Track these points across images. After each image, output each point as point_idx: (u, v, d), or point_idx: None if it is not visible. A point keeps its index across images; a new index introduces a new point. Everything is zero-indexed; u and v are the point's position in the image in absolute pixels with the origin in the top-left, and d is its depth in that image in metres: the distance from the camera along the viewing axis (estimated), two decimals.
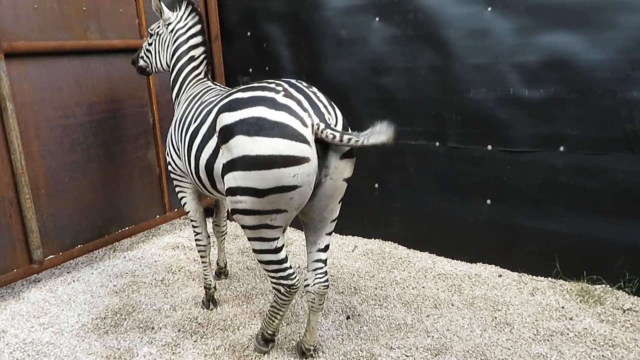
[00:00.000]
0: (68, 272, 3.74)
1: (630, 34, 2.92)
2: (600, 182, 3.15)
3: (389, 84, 3.75)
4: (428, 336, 2.76)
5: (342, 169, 2.27)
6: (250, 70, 4.48)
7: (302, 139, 2.08)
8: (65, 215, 3.57)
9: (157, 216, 4.23)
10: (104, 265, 3.83)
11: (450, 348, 2.63)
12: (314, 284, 2.47)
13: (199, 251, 3.13)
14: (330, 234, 2.51)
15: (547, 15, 3.10)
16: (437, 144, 3.66)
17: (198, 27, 3.09)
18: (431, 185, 3.76)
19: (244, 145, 2.10)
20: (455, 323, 2.89)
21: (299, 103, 2.16)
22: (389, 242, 4.05)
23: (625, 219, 3.11)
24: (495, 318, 2.93)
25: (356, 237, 4.21)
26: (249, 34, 4.42)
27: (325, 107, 2.24)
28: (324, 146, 2.17)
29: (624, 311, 2.97)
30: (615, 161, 3.08)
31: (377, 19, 3.73)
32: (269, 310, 2.57)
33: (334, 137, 2.10)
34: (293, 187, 2.11)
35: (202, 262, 3.12)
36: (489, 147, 3.47)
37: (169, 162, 2.98)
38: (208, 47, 3.13)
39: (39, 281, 3.61)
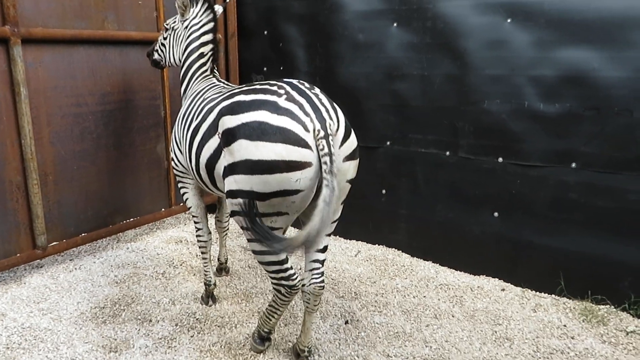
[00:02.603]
0: (70, 260, 3.75)
1: None
2: (611, 202, 3.10)
3: (403, 91, 3.73)
4: (426, 346, 2.73)
5: (344, 171, 2.26)
6: (265, 69, 4.48)
7: (304, 144, 2.08)
8: (71, 203, 3.58)
9: (163, 209, 4.24)
10: (106, 255, 3.83)
11: (448, 359, 2.61)
12: (310, 284, 2.45)
13: (199, 247, 3.13)
14: (329, 235, 2.50)
15: (567, 30, 3.07)
16: (448, 153, 3.63)
17: (211, 25, 3.11)
18: (439, 194, 3.73)
19: (246, 149, 2.10)
20: (455, 335, 2.86)
21: (301, 107, 2.15)
22: (393, 249, 4.03)
23: (635, 240, 3.06)
24: (496, 332, 2.89)
25: (360, 242, 4.19)
26: (265, 32, 4.42)
27: (327, 110, 2.21)
28: None
29: (627, 333, 2.92)
30: (627, 181, 3.04)
31: (395, 24, 3.72)
32: (267, 308, 2.55)
33: (323, 150, 2.08)
34: (295, 192, 2.11)
35: (203, 258, 3.12)
36: (500, 159, 3.43)
37: (172, 157, 2.99)
38: (216, 44, 3.14)
39: (41, 267, 3.62)
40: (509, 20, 3.27)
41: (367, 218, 4.11)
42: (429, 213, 3.79)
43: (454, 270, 3.71)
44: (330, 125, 2.15)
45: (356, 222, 4.11)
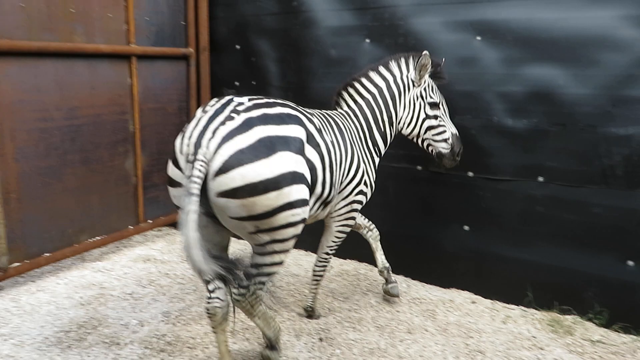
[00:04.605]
0: (33, 282, 3.60)
1: (612, 71, 3.00)
2: (576, 214, 3.20)
3: None
4: None
5: (221, 207, 2.16)
6: (237, 83, 4.46)
7: (176, 164, 2.22)
8: (35, 221, 3.44)
9: (130, 227, 4.13)
10: (71, 276, 3.70)
11: None
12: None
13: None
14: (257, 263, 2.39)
15: (534, 48, 3.17)
16: (419, 167, 3.68)
17: None
18: (410, 208, 3.76)
19: None
20: (429, 349, 2.87)
21: (193, 127, 2.20)
22: (365, 263, 4.04)
23: (598, 251, 3.16)
24: (468, 345, 2.92)
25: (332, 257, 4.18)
26: (237, 47, 4.41)
27: (212, 138, 2.13)
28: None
29: (593, 342, 2.99)
30: (591, 194, 3.14)
31: (367, 40, 3.76)
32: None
33: (187, 173, 2.11)
34: (177, 207, 2.32)
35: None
36: (470, 173, 3.50)
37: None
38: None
39: (1, 289, 3.47)
40: (478, 38, 3.35)
41: None
42: (400, 227, 3.82)
43: (425, 284, 3.74)
44: (205, 153, 2.09)
45: None
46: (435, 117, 3.10)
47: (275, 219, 2.23)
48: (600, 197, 3.12)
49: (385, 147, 3.18)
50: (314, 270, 3.18)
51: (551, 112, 3.17)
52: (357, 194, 2.95)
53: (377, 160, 3.14)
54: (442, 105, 3.15)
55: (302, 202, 2.32)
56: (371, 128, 3.09)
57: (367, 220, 3.47)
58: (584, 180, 3.15)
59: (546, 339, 3.01)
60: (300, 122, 2.42)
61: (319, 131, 2.60)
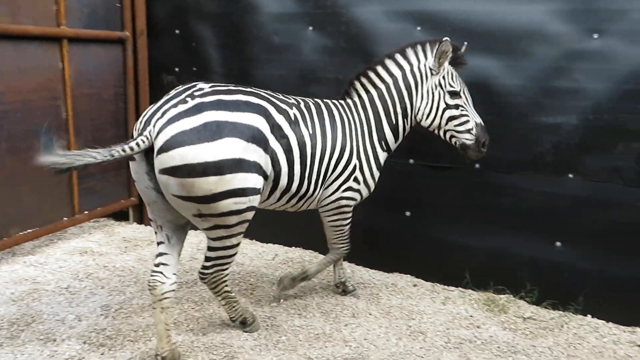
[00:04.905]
0: None
1: (542, 63, 3.16)
2: (510, 200, 3.37)
3: (319, 94, 3.74)
4: (346, 345, 2.78)
5: (163, 184, 2.29)
6: (177, 69, 4.33)
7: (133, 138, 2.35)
8: None
9: (65, 218, 3.93)
10: (1, 271, 3.49)
11: (367, 357, 2.68)
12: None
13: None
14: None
15: (470, 39, 3.27)
16: None
17: None
18: None
19: None
20: (373, 332, 2.94)
21: (153, 106, 2.38)
22: (310, 250, 4.07)
23: (529, 234, 3.34)
24: (410, 327, 3.02)
25: (277, 245, 4.19)
26: (177, 32, 4.27)
27: (159, 118, 2.27)
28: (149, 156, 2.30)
29: (525, 319, 3.18)
30: (523, 181, 3.31)
31: (310, 28, 3.75)
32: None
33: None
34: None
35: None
36: (411, 160, 3.59)
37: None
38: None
39: None
40: (418, 28, 3.43)
41: (283, 221, 4.10)
42: None
43: (368, 269, 3.82)
44: (150, 131, 2.26)
45: (272, 226, 4.10)
46: (457, 106, 2.92)
47: (217, 205, 2.30)
48: (531, 183, 3.30)
49: (396, 141, 3.07)
50: (332, 250, 3.22)
51: (487, 102, 3.30)
52: (344, 191, 2.90)
53: (382, 155, 3.04)
54: (464, 93, 2.96)
55: (250, 191, 2.36)
56: (380, 121, 2.98)
57: None
58: (517, 167, 3.31)
59: (482, 317, 3.16)
60: (261, 112, 2.44)
61: (293, 123, 2.62)
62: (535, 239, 3.33)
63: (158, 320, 2.48)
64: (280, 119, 2.55)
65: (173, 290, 2.48)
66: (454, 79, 2.95)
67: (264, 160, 2.43)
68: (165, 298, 2.46)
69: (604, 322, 3.16)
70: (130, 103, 4.37)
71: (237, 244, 2.53)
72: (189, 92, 2.35)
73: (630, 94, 3.00)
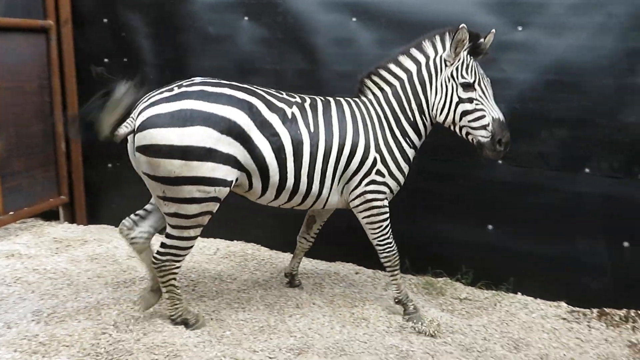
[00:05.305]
0: None
1: None
2: (444, 186, 3.50)
3: (257, 85, 3.72)
4: (291, 336, 2.80)
5: (137, 160, 2.51)
6: (106, 60, 4.14)
7: None
8: None
9: None
10: None
11: (312, 346, 2.70)
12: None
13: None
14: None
15: (403, 30, 3.35)
16: None
17: None
18: None
19: None
20: (317, 321, 2.97)
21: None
22: (252, 243, 4.05)
23: (463, 218, 3.49)
24: (353, 314, 3.07)
25: (218, 239, 4.13)
26: (105, 20, 4.07)
27: (142, 105, 2.50)
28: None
29: (461, 300, 3.33)
30: (456, 167, 3.45)
31: (246, 18, 3.70)
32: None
33: None
34: None
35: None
36: None
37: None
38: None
39: None
40: (354, 19, 3.46)
41: (223, 214, 4.02)
42: None
43: (312, 259, 3.85)
44: (135, 113, 2.49)
45: (212, 220, 4.03)
46: (470, 100, 2.73)
47: (180, 188, 2.45)
48: (463, 170, 3.44)
49: (419, 138, 2.94)
50: (383, 264, 3.07)
51: None
52: (367, 184, 2.84)
53: (409, 151, 2.92)
54: (482, 85, 2.75)
55: (217, 182, 2.48)
56: (398, 117, 2.87)
57: (317, 231, 3.36)
58: (451, 153, 3.44)
59: (422, 300, 3.28)
60: (244, 107, 2.52)
61: (289, 121, 2.64)
62: (469, 223, 3.48)
63: (142, 260, 2.86)
64: (271, 117, 2.60)
65: (144, 238, 2.78)
66: (469, 70, 2.74)
67: (242, 155, 2.53)
68: (135, 243, 2.77)
69: (532, 298, 3.37)
70: (57, 96, 4.13)
71: (194, 237, 2.64)
72: (181, 82, 2.54)
73: (553, 84, 3.19)
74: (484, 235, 3.46)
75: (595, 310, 3.24)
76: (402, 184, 2.95)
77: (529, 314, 3.19)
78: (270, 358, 2.59)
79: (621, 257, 3.22)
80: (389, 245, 2.99)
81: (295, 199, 2.81)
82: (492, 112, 2.72)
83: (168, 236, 2.60)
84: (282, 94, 2.76)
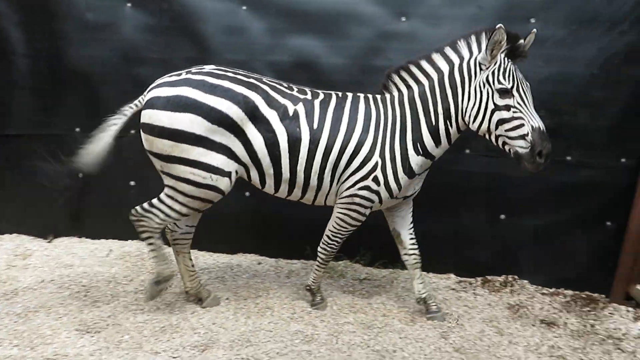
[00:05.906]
0: None
1: (360, 43, 3.40)
2: None
3: (144, 76, 3.54)
4: (195, 333, 2.73)
5: (142, 137, 2.66)
6: None
7: None
8: None
9: None
10: None
11: (217, 341, 2.66)
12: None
13: None
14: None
15: (293, 19, 3.39)
16: None
17: None
18: None
19: None
20: (221, 315, 2.93)
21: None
22: None
23: None
24: (258, 304, 3.08)
25: (110, 240, 3.91)
26: None
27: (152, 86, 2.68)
28: None
29: (361, 281, 3.47)
30: None
31: (129, 4, 3.49)
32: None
33: None
34: None
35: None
36: None
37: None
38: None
39: None
40: (244, 8, 3.42)
41: (116, 213, 3.81)
42: None
43: (212, 253, 3.79)
44: (144, 94, 2.69)
45: (103, 219, 3.80)
46: (508, 107, 2.49)
47: (173, 167, 2.61)
48: None
49: (437, 145, 2.70)
50: (317, 252, 3.04)
51: (315, 79, 3.44)
52: (360, 189, 2.73)
53: (415, 159, 2.71)
54: (520, 91, 2.49)
55: (211, 169, 2.59)
56: (418, 121, 2.68)
57: (412, 240, 3.07)
58: None
59: (324, 284, 3.36)
60: (239, 101, 2.57)
61: (289, 118, 2.64)
62: None
63: (176, 261, 3.03)
64: (269, 114, 2.63)
65: (185, 239, 3.02)
66: (507, 74, 2.50)
67: (237, 146, 2.62)
68: (177, 244, 3.01)
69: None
70: None
71: (183, 214, 2.74)
72: (191, 69, 2.67)
73: None
74: (379, 217, 3.61)
75: (479, 279, 3.55)
76: (394, 197, 2.80)
77: None
78: (173, 358, 2.51)
79: (498, 229, 3.55)
80: (338, 243, 2.99)
81: (295, 192, 2.84)
82: (532, 120, 2.47)
83: (159, 199, 2.72)
84: (291, 90, 2.75)
